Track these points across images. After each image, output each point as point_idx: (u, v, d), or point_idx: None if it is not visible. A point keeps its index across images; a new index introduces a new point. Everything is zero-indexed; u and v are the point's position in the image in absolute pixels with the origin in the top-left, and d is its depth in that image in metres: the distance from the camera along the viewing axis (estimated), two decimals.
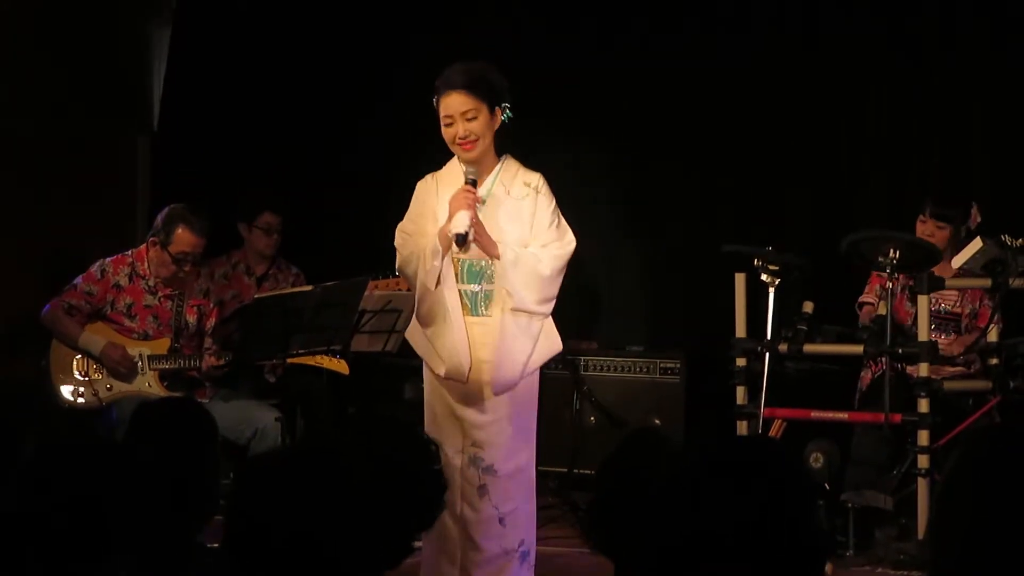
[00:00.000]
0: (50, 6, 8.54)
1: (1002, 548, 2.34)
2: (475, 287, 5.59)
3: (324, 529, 2.53)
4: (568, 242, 5.63)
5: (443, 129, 5.57)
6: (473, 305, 5.61)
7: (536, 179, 5.64)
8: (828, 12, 8.27)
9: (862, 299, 7.26)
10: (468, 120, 5.53)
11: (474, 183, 5.55)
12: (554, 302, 5.65)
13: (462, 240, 5.47)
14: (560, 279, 5.62)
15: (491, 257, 5.52)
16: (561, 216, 5.65)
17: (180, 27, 9.20)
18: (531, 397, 5.68)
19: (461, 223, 5.46)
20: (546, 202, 5.61)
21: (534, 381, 5.69)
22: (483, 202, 5.58)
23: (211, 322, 7.42)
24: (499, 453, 5.57)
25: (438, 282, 5.58)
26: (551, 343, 5.68)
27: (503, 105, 5.58)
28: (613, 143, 8.64)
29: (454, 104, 5.53)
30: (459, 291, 5.61)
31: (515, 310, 5.54)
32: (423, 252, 5.58)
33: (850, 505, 6.82)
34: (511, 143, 5.72)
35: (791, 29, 8.34)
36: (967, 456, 2.47)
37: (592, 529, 3.14)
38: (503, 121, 5.60)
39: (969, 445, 2.51)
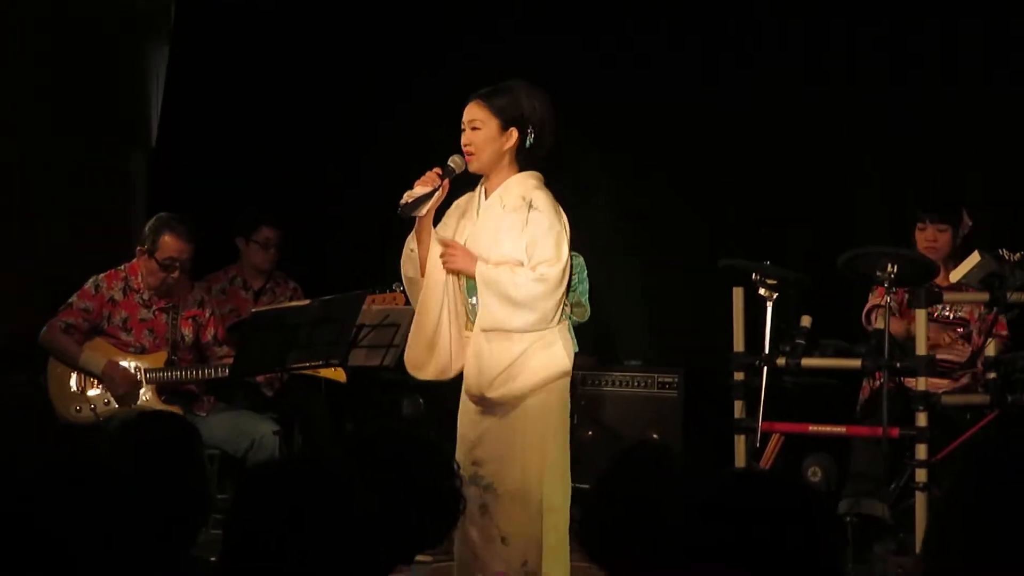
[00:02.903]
0: (47, 24, 8.54)
1: (999, 562, 2.34)
2: (473, 300, 5.58)
3: (322, 539, 2.53)
4: (558, 269, 5.46)
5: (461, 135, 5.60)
6: (474, 318, 5.60)
7: (536, 195, 5.52)
8: (829, 27, 8.30)
9: (870, 305, 7.25)
10: (472, 130, 5.53)
11: (448, 170, 5.53)
12: (547, 319, 5.47)
13: (403, 210, 5.48)
14: (549, 297, 5.44)
15: (467, 275, 5.50)
16: (562, 240, 5.51)
17: (178, 45, 9.22)
18: (542, 416, 5.53)
19: (406, 194, 5.48)
20: (540, 218, 5.47)
21: (547, 400, 5.53)
22: (437, 189, 5.50)
23: (210, 331, 7.41)
24: (499, 471, 5.49)
25: (423, 273, 5.59)
26: (544, 366, 5.51)
27: (527, 131, 5.52)
28: (612, 158, 8.64)
29: (468, 112, 5.55)
30: (463, 304, 5.60)
31: (485, 328, 5.46)
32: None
33: (848, 519, 6.81)
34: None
35: (793, 46, 8.35)
36: (965, 471, 2.47)
37: (587, 538, 3.13)
38: (525, 146, 5.54)
39: (967, 460, 2.51)
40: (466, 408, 5.60)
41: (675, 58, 8.52)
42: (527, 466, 5.53)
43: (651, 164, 8.60)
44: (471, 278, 5.48)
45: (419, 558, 5.63)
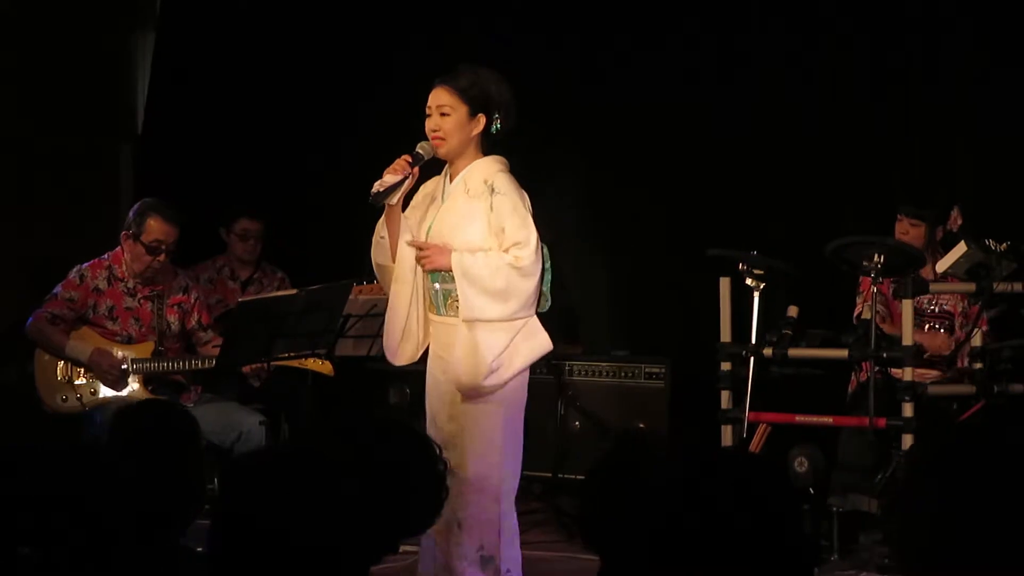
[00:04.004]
0: (33, 14, 8.53)
1: (965, 547, 2.35)
2: (436, 285, 5.60)
3: (310, 528, 2.53)
4: (530, 250, 5.48)
5: (426, 119, 5.60)
6: (436, 304, 5.62)
7: (496, 178, 5.53)
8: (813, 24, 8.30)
9: (860, 309, 7.25)
10: (441, 115, 5.55)
11: (417, 157, 5.54)
12: (526, 307, 5.53)
13: (375, 199, 5.51)
14: (525, 283, 5.49)
15: (444, 271, 5.51)
16: (528, 220, 5.51)
17: (163, 34, 9.20)
18: (511, 403, 5.58)
19: (377, 183, 5.50)
20: (503, 201, 5.49)
21: (515, 387, 5.58)
22: (410, 176, 5.53)
23: (194, 317, 7.39)
24: (462, 455, 5.49)
25: (394, 260, 5.62)
26: (533, 344, 5.57)
27: (494, 116, 5.56)
28: (600, 150, 8.64)
29: (435, 97, 5.57)
30: (426, 289, 5.64)
31: (466, 320, 5.48)
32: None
33: (835, 509, 6.82)
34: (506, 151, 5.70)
35: (776, 42, 8.35)
36: (928, 457, 2.49)
37: (583, 526, 3.13)
38: (491, 131, 5.58)
39: (930, 446, 2.53)
40: (435, 390, 5.63)
41: (659, 55, 8.51)
42: (489, 451, 5.56)
43: (639, 155, 8.59)
44: (448, 270, 5.50)
45: (405, 549, 5.65)
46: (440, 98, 5.55)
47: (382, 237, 5.64)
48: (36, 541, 2.72)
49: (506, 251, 5.49)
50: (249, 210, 8.37)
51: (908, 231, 7.18)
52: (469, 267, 5.46)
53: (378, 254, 5.69)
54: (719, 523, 2.46)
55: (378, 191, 5.50)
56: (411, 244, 5.59)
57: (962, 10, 8.03)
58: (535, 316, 5.60)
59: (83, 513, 2.75)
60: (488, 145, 5.62)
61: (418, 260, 5.57)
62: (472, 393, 5.52)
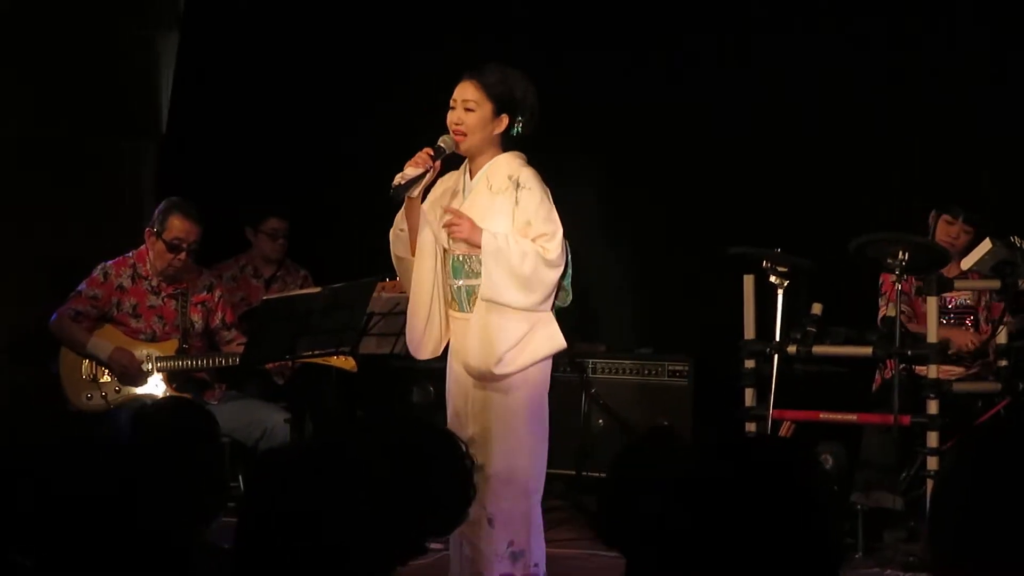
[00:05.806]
0: (57, 13, 8.54)
1: (994, 544, 2.35)
2: (459, 282, 5.60)
3: (336, 524, 2.53)
4: (557, 242, 5.50)
5: (449, 111, 5.60)
6: (459, 300, 5.61)
7: (521, 173, 5.54)
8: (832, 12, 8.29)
9: (884, 313, 7.23)
10: (465, 110, 5.53)
11: (440, 150, 5.53)
12: (546, 299, 5.53)
13: (396, 192, 5.49)
14: (550, 275, 5.50)
15: (472, 245, 5.47)
16: (553, 212, 5.53)
17: (187, 33, 9.22)
18: (532, 397, 5.58)
19: (398, 176, 5.49)
20: (529, 196, 5.49)
21: (535, 380, 5.57)
22: (431, 170, 5.52)
23: (218, 315, 7.41)
24: (489, 452, 5.50)
25: (413, 254, 5.61)
26: (547, 341, 5.57)
27: (517, 118, 5.56)
28: (616, 143, 8.62)
29: (461, 90, 5.56)
30: (447, 285, 5.63)
31: (486, 299, 5.46)
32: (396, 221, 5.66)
33: (859, 507, 6.81)
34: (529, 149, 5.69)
35: (795, 33, 8.35)
36: (960, 453, 2.48)
37: (605, 524, 3.12)
38: (512, 133, 5.57)
39: (963, 442, 2.52)
40: (458, 387, 5.63)
41: (682, 54, 8.51)
42: (516, 446, 5.56)
43: (659, 153, 8.58)
44: (476, 246, 5.47)
45: (433, 546, 5.63)
46: (466, 92, 5.54)
47: (401, 230, 5.64)
48: (54, 540, 2.73)
49: (533, 242, 5.50)
50: (277, 209, 8.38)
51: (960, 236, 7.14)
52: (501, 246, 5.43)
53: (397, 247, 5.68)
54: (750, 517, 2.45)
55: (399, 184, 5.49)
56: (447, 210, 5.53)
57: (962, 10, 8.01)
58: (551, 312, 5.59)
59: (103, 512, 2.75)
60: (509, 142, 5.62)
61: (447, 226, 5.50)
62: (483, 379, 5.52)
